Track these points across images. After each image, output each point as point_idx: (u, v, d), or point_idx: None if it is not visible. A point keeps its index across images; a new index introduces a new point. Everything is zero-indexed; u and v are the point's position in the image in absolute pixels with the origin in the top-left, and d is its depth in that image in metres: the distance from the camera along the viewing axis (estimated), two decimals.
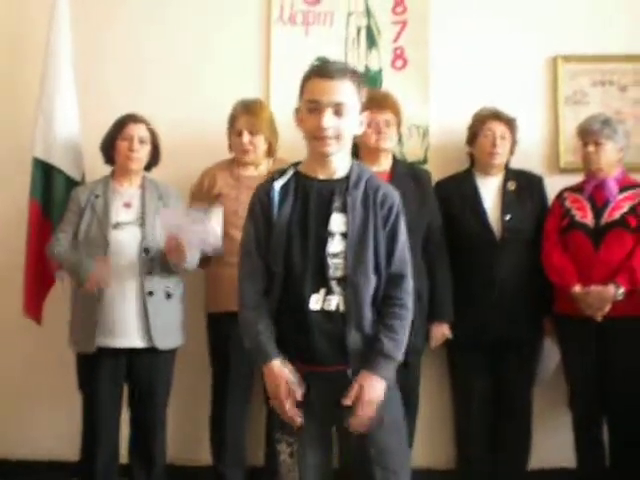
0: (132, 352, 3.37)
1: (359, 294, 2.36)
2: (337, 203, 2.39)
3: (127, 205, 3.44)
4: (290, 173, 2.47)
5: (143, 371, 3.41)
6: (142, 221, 3.39)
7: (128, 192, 3.47)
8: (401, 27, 4.02)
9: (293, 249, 2.39)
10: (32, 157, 3.75)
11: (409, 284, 2.43)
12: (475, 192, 3.68)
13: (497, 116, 3.68)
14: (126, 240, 3.34)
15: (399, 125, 3.58)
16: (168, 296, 3.40)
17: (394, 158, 3.61)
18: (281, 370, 2.37)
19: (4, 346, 4.01)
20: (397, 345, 2.38)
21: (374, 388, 2.36)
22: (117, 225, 3.38)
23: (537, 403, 3.74)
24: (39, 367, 3.85)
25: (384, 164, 3.55)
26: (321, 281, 2.37)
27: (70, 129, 3.74)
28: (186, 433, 3.86)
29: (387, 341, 2.35)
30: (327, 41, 4.02)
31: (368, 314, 2.38)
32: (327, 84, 2.33)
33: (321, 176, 2.43)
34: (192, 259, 3.37)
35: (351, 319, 2.35)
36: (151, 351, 3.36)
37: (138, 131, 3.45)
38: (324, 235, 2.38)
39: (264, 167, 3.64)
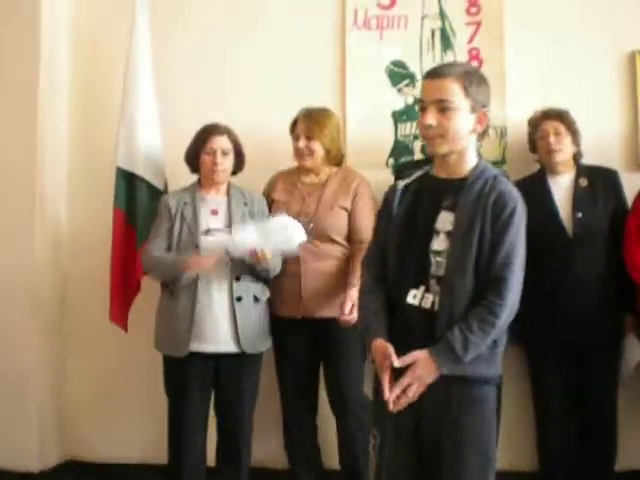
0: (220, 357, 3.43)
1: (453, 294, 2.35)
2: (447, 202, 2.42)
3: (214, 212, 3.53)
4: (418, 173, 2.56)
5: (231, 376, 3.49)
6: (230, 228, 3.46)
7: (215, 199, 3.57)
8: (476, 28, 4.03)
9: (401, 244, 2.46)
10: (115, 167, 3.86)
11: (508, 291, 2.34)
12: (546, 191, 3.67)
13: (546, 115, 3.68)
14: (215, 246, 3.41)
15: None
16: (256, 300, 3.46)
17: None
18: (385, 347, 2.39)
19: (92, 351, 4.15)
20: (465, 342, 2.30)
21: (425, 368, 2.32)
22: (208, 231, 3.47)
23: (622, 403, 3.70)
24: (126, 372, 3.98)
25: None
26: (422, 278, 2.41)
27: (152, 138, 3.86)
28: (268, 436, 3.87)
29: (458, 333, 2.30)
30: (402, 45, 4.06)
31: (465, 310, 2.35)
32: (430, 83, 2.40)
33: (442, 175, 2.49)
34: (276, 265, 3.45)
35: (442, 319, 2.35)
36: (239, 356, 3.43)
37: (221, 143, 3.53)
38: (430, 232, 2.41)
39: (324, 175, 3.68)
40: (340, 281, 3.53)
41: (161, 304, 3.55)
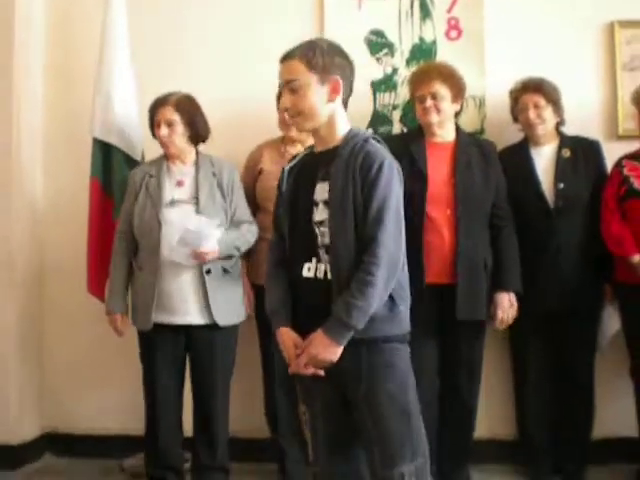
0: (191, 328, 3.45)
1: (339, 261, 2.41)
2: (322, 172, 2.48)
3: (180, 183, 3.53)
4: (302, 154, 2.65)
5: (203, 347, 3.51)
6: (196, 200, 3.47)
7: (181, 170, 3.56)
8: None
9: (290, 222, 2.56)
10: (92, 137, 3.83)
11: (380, 248, 2.37)
12: (529, 162, 3.70)
13: (526, 87, 3.70)
14: (179, 218, 3.40)
15: (455, 96, 3.56)
16: (225, 271, 3.48)
17: (458, 128, 3.63)
18: (287, 335, 2.51)
19: (71, 323, 4.14)
20: (350, 309, 2.34)
21: (320, 346, 2.39)
22: (172, 203, 3.46)
23: (598, 372, 3.78)
24: (105, 343, 3.96)
25: (447, 135, 3.57)
26: (312, 250, 2.49)
27: (128, 109, 3.83)
28: (246, 406, 3.91)
29: (341, 304, 2.36)
30: (380, 14, 4.05)
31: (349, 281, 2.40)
32: (281, 67, 2.51)
33: (319, 149, 2.57)
34: (230, 252, 3.51)
35: (336, 286, 2.41)
36: (211, 327, 3.45)
37: (164, 114, 3.52)
38: (310, 205, 2.49)
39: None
40: None
41: (132, 277, 3.57)
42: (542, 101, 3.65)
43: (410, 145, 3.54)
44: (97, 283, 3.80)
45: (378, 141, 2.52)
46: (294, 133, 3.62)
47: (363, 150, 2.43)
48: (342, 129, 2.52)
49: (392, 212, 2.41)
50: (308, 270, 2.48)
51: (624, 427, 3.81)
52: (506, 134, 3.84)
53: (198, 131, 3.55)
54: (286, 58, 2.48)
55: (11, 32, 4.04)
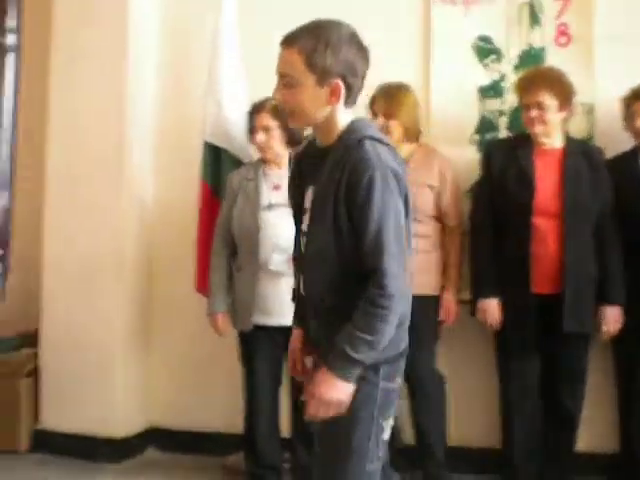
0: (289, 330, 3.47)
1: (311, 277, 2.22)
2: (312, 175, 2.22)
3: (277, 188, 3.59)
4: (307, 141, 2.40)
5: None
6: None
7: (278, 174, 3.62)
8: (564, 3, 3.99)
9: (295, 225, 2.36)
10: (203, 141, 3.93)
11: (388, 279, 2.06)
12: (638, 170, 3.61)
13: (637, 95, 3.61)
14: (277, 221, 3.47)
15: (563, 104, 3.51)
16: None
17: (567, 135, 3.61)
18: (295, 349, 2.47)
19: (177, 321, 4.26)
20: (355, 342, 2.06)
21: (325, 384, 2.11)
22: (269, 207, 3.52)
23: None
24: (210, 342, 4.04)
25: (555, 142, 3.56)
26: (300, 261, 2.31)
27: (239, 113, 3.89)
28: None
29: (344, 336, 2.08)
30: (488, 20, 4.04)
31: (328, 299, 2.18)
32: (280, 51, 2.22)
33: (320, 143, 2.27)
34: None
35: (309, 304, 2.26)
36: None
37: (261, 121, 3.60)
38: (302, 210, 2.27)
39: (405, 152, 3.69)
40: (426, 259, 3.59)
41: (232, 279, 3.66)
42: None
43: (517, 151, 3.54)
44: (205, 282, 3.88)
45: (378, 140, 2.17)
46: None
47: (353, 156, 2.09)
48: (341, 126, 2.18)
49: (392, 234, 2.07)
50: (298, 282, 2.32)
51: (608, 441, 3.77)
52: (616, 142, 3.76)
53: (294, 135, 3.59)
54: (285, 44, 2.17)
55: (124, 36, 4.21)
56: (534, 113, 3.47)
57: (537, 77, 3.56)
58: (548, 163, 3.51)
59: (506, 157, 3.56)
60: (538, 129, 3.49)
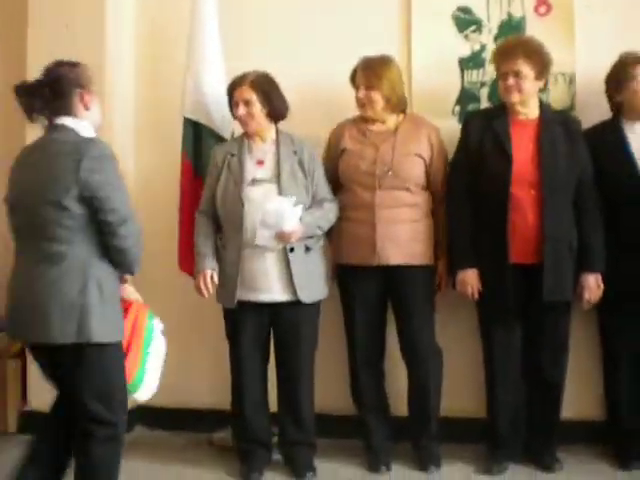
0: (276, 306, 3.57)
1: None
2: None
3: (260, 162, 3.62)
4: None
5: (287, 324, 3.62)
6: (277, 178, 3.56)
7: (262, 149, 3.65)
8: None
9: None
10: (183, 117, 3.93)
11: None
12: (623, 141, 3.63)
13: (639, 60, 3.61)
14: (261, 197, 3.51)
15: (540, 73, 3.54)
16: (307, 249, 3.57)
17: (542, 104, 3.63)
18: None
19: (162, 300, 4.22)
20: None
21: None
22: (253, 182, 3.55)
23: None
24: (196, 321, 4.07)
25: (533, 112, 3.58)
26: None
27: (217, 89, 3.90)
28: (332, 384, 3.97)
29: None
30: None
31: None
32: None
33: None
34: (314, 231, 3.60)
35: None
36: (295, 304, 3.56)
37: (242, 94, 3.61)
38: None
39: (392, 122, 3.74)
40: (414, 228, 3.63)
41: (216, 255, 3.67)
42: None
43: (493, 122, 3.57)
44: (188, 260, 3.89)
45: None
46: (370, 113, 3.68)
47: None
48: None
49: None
50: None
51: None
52: (596, 111, 3.77)
53: (275, 108, 3.62)
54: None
55: (102, 11, 4.16)
56: (511, 81, 3.49)
57: (514, 46, 3.58)
58: (524, 133, 3.54)
59: (483, 128, 3.59)
60: (514, 98, 3.52)
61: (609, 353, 3.76)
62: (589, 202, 3.55)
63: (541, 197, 3.44)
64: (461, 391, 3.96)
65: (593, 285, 3.54)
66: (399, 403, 3.85)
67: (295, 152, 3.62)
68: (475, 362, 3.84)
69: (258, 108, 3.59)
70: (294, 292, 3.52)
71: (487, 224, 3.52)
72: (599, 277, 3.54)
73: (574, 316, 3.67)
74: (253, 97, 3.58)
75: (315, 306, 3.64)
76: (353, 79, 3.73)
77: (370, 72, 3.64)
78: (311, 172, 3.61)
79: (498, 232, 3.45)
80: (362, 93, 3.65)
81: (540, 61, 3.52)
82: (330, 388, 3.94)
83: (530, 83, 3.51)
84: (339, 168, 3.73)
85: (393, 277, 3.63)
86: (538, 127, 3.54)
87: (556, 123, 3.57)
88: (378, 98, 3.64)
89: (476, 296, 3.60)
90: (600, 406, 3.88)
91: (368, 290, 3.69)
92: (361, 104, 3.69)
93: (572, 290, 3.54)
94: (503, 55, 3.55)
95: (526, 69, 3.48)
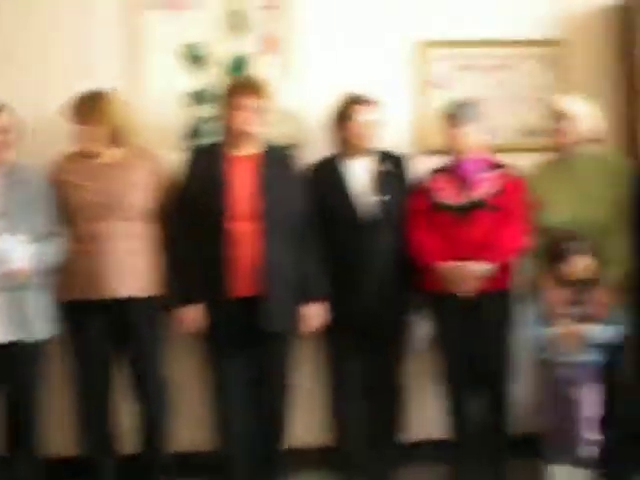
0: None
1: None
2: None
3: None
4: None
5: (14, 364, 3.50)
6: (5, 213, 3.45)
7: None
8: (271, 12, 4.16)
9: None
10: None
11: None
12: (345, 175, 3.84)
13: (366, 101, 3.85)
14: None
15: (269, 110, 3.70)
16: (34, 286, 3.48)
17: (264, 142, 3.74)
18: None
19: None
20: None
21: None
22: None
23: (411, 376, 4.01)
24: None
25: (253, 148, 3.70)
26: None
27: None
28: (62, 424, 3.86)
29: None
30: (197, 27, 4.11)
31: None
32: None
33: None
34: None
35: None
36: (14, 346, 3.44)
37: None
38: None
39: (114, 155, 3.68)
40: (140, 260, 3.61)
41: None
42: (376, 117, 3.83)
43: (215, 157, 3.65)
44: None
45: None
46: (90, 146, 3.63)
47: None
48: None
49: None
50: None
51: (436, 429, 4.06)
52: (321, 147, 3.97)
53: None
54: None
55: None
56: (246, 115, 3.59)
57: (247, 82, 3.71)
58: (245, 168, 3.64)
59: (206, 162, 3.65)
60: (251, 129, 3.62)
61: (336, 379, 3.92)
62: (309, 234, 3.70)
63: (261, 230, 3.54)
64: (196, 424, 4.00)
65: (314, 314, 3.69)
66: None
67: (22, 183, 3.51)
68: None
69: (12, 138, 3.49)
70: (17, 331, 3.40)
71: (208, 258, 3.56)
72: (319, 306, 3.70)
73: (300, 344, 3.82)
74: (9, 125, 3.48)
75: (37, 346, 3.51)
76: (72, 113, 3.65)
77: (85, 108, 3.60)
78: (38, 204, 3.51)
79: (219, 266, 3.52)
80: (79, 128, 3.61)
81: (268, 97, 3.66)
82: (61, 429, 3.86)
83: (261, 118, 3.64)
84: (64, 201, 3.64)
85: (121, 310, 3.59)
86: (258, 162, 3.65)
87: (276, 158, 3.71)
88: (97, 133, 3.60)
89: (199, 331, 3.63)
90: (328, 431, 4.03)
91: (94, 325, 3.61)
92: (82, 138, 3.63)
93: (294, 320, 3.65)
94: (238, 90, 3.65)
95: (258, 104, 3.61)
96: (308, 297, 3.68)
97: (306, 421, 4.06)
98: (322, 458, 4.04)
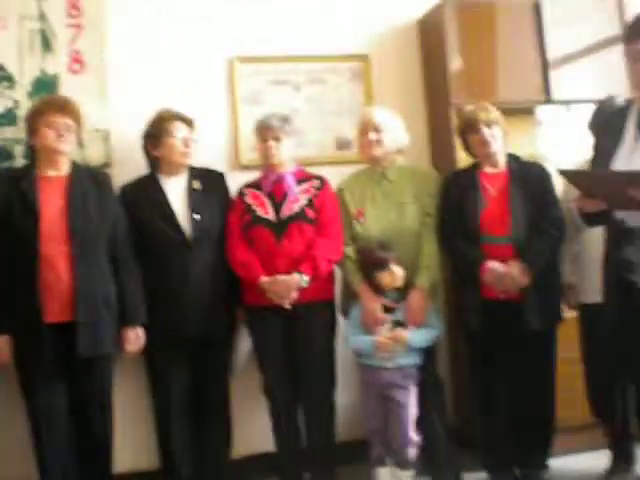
0: None
1: None
2: None
3: None
4: None
5: None
6: None
7: None
8: (77, 30, 4.09)
9: None
10: None
11: None
12: (162, 194, 3.83)
13: (181, 118, 3.86)
14: None
15: (79, 129, 3.64)
16: None
17: (73, 162, 3.67)
18: None
19: None
20: None
21: None
22: None
23: (234, 393, 4.01)
24: None
25: (63, 168, 3.61)
26: None
27: None
28: None
29: None
30: (1, 46, 3.98)
31: None
32: None
33: None
34: None
35: None
36: None
37: None
38: None
39: None
40: None
41: None
42: (191, 135, 3.84)
43: (21, 180, 3.54)
44: None
45: None
46: None
47: None
48: None
49: None
50: None
51: (262, 444, 4.08)
52: (132, 166, 3.93)
53: None
54: None
55: None
56: (55, 133, 3.51)
57: (65, 101, 3.63)
58: (52, 190, 3.54)
59: (11, 186, 3.52)
60: (66, 148, 3.54)
61: (158, 399, 3.89)
62: (124, 256, 3.66)
63: (72, 254, 3.46)
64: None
65: (133, 337, 3.64)
66: None
67: None
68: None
69: None
70: None
71: (20, 285, 3.45)
72: (139, 329, 3.66)
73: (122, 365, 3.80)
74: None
75: None
76: None
77: None
78: None
79: (31, 293, 3.40)
80: None
81: (77, 116, 3.60)
82: None
83: (71, 136, 3.56)
84: None
85: None
86: (68, 182, 3.57)
87: (86, 178, 3.63)
88: None
89: (6, 361, 3.51)
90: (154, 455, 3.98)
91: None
92: None
93: (111, 343, 3.57)
94: (46, 108, 3.54)
95: (66, 122, 3.53)
96: (127, 321, 3.62)
97: (134, 444, 4.02)
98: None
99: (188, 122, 3.86)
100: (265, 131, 3.82)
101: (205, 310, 3.74)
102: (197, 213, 3.77)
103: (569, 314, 3.84)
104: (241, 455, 4.10)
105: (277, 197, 3.80)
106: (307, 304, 3.71)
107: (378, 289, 3.73)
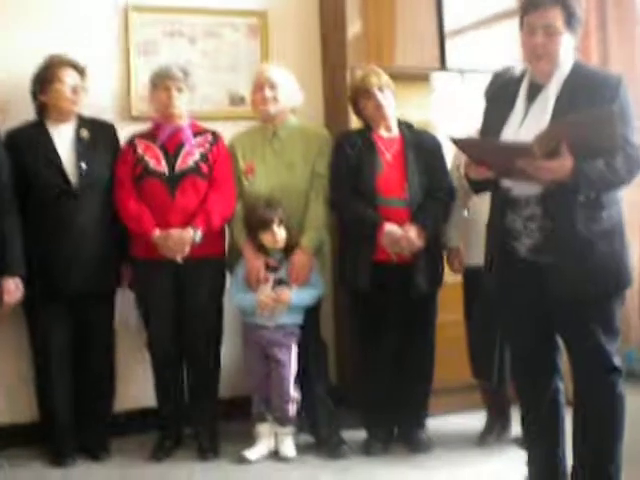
0: None
1: None
2: None
3: None
4: None
5: None
6: None
7: None
8: None
9: None
10: None
11: None
12: (49, 141, 3.73)
13: (72, 64, 3.76)
14: None
15: None
16: None
17: None
18: None
19: None
20: None
21: None
22: None
23: (118, 348, 3.99)
24: None
25: None
26: None
27: None
28: None
29: None
30: None
31: None
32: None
33: None
34: None
35: None
36: None
37: None
38: None
39: None
40: None
41: None
42: (80, 82, 3.74)
43: None
44: None
45: None
46: None
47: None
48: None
49: None
50: None
51: (145, 398, 4.05)
52: (18, 113, 3.78)
53: None
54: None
55: None
56: None
57: None
58: None
59: None
60: None
61: (38, 353, 3.82)
62: (5, 202, 3.53)
63: None
64: None
65: (13, 288, 3.55)
66: None
67: None
68: None
69: None
70: None
71: None
72: (18, 280, 3.55)
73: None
74: None
75: None
76: None
77: None
78: None
79: None
80: None
81: None
82: None
83: None
84: None
85: None
86: None
87: None
88: None
89: None
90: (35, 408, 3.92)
91: None
92: None
93: None
94: None
95: None
96: (5, 270, 3.52)
97: (12, 398, 3.96)
98: (31, 434, 3.91)
99: (79, 69, 3.76)
100: (168, 80, 3.76)
101: (89, 262, 3.68)
102: (84, 162, 3.69)
103: (454, 278, 3.95)
104: (123, 409, 4.07)
105: (170, 150, 3.76)
106: (197, 259, 3.70)
107: (262, 248, 3.76)
